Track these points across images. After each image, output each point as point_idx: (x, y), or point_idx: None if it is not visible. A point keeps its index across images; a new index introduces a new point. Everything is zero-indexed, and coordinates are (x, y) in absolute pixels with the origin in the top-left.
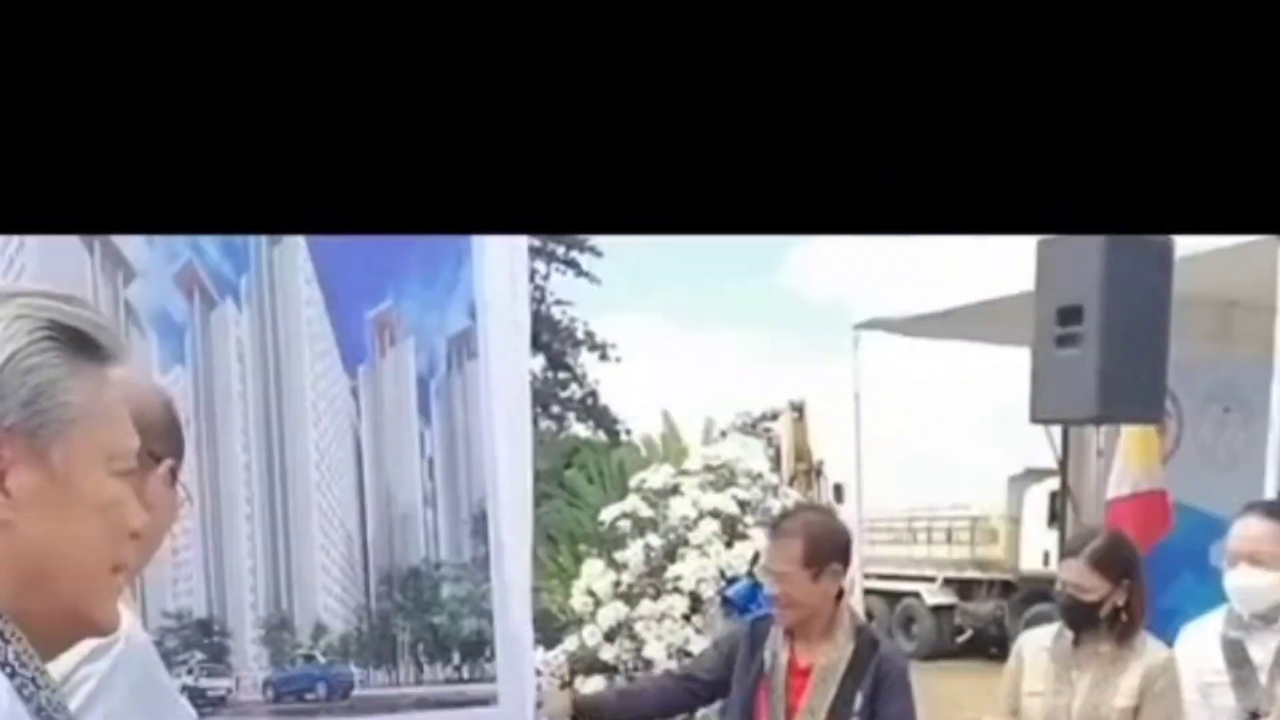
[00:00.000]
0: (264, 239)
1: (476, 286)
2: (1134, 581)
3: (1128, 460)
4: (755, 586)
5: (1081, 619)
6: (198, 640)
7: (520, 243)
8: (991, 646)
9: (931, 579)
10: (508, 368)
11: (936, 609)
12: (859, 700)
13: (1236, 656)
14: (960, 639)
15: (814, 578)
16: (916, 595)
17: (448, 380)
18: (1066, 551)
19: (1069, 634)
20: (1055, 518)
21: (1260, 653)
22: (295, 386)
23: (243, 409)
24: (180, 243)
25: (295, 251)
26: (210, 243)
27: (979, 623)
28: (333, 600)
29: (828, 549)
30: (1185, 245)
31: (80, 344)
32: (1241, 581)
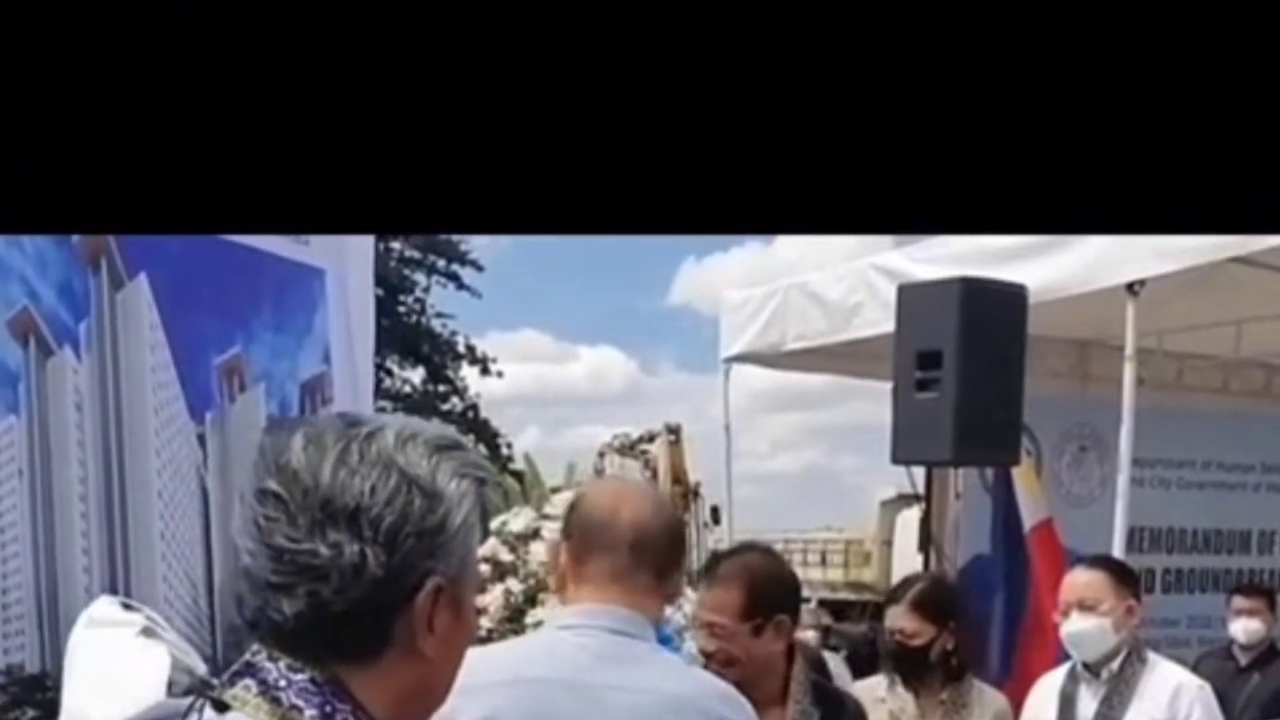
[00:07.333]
0: (105, 284)
1: (332, 332)
2: (959, 624)
3: (1025, 492)
4: None
5: (911, 666)
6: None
7: (369, 298)
8: (863, 665)
9: (806, 600)
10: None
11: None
12: None
13: (1066, 712)
14: None
15: (755, 632)
16: None
17: None
18: (889, 599)
19: (903, 683)
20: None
21: (1086, 706)
22: (138, 434)
23: (80, 458)
24: (16, 288)
25: (138, 297)
26: (47, 288)
27: (852, 644)
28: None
29: (772, 598)
30: (1040, 291)
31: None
32: (1074, 628)
